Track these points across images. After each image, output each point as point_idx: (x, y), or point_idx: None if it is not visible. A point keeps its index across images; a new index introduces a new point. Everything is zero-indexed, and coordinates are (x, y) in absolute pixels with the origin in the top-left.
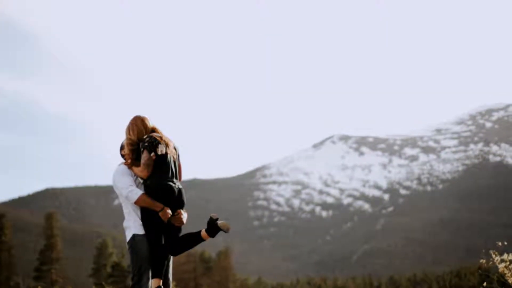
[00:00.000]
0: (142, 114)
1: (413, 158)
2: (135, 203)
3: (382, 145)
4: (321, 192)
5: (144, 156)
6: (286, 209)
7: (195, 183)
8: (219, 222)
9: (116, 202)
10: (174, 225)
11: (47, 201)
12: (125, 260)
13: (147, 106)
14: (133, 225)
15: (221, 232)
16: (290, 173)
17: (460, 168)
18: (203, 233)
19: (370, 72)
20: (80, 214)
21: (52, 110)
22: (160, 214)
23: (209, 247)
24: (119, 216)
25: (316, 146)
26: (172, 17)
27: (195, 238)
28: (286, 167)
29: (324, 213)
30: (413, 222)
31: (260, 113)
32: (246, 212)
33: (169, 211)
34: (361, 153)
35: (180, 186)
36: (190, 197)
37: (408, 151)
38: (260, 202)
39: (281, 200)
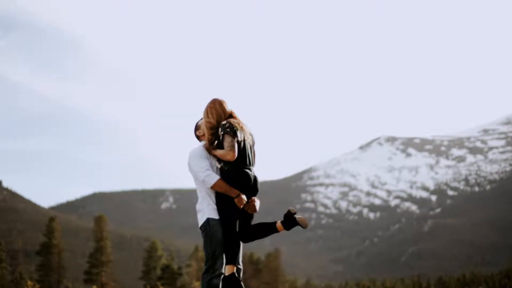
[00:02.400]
0: (220, 97)
1: (460, 159)
2: (212, 187)
3: (429, 146)
4: (368, 193)
5: (227, 139)
6: (334, 211)
7: None
8: (297, 216)
9: (163, 205)
10: (247, 212)
11: (95, 205)
12: (174, 263)
13: (194, 107)
14: (206, 209)
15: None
16: (337, 175)
17: (508, 169)
18: (279, 224)
19: (416, 72)
20: (127, 218)
21: (97, 114)
22: (235, 200)
23: (257, 249)
24: (166, 219)
25: (362, 147)
26: (213, 16)
27: (269, 228)
28: (333, 169)
29: (371, 215)
30: (461, 223)
31: (307, 115)
32: None
33: (245, 198)
34: (408, 154)
35: (256, 174)
36: None
37: (455, 152)
38: (307, 205)
39: (328, 202)
